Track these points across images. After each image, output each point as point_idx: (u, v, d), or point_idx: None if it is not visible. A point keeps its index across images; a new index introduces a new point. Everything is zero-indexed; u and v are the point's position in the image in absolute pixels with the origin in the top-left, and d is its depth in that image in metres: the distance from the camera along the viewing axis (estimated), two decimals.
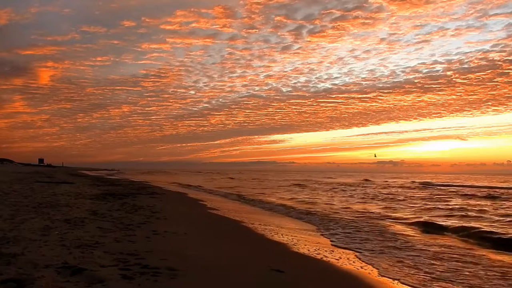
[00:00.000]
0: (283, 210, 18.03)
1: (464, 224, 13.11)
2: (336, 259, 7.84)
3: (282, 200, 23.60)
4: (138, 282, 4.64)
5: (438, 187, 39.54)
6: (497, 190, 34.97)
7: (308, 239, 10.23)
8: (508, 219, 14.89)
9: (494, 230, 11.78)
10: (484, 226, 12.86)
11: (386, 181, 56.98)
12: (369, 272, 7.01)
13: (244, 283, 5.28)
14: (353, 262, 7.75)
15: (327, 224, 13.30)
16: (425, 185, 43.64)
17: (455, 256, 8.76)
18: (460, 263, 8.03)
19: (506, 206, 20.39)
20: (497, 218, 15.24)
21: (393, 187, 40.92)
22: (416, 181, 56.53)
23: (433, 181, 53.90)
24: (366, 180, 59.98)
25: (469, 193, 30.22)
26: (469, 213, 16.66)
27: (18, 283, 4.27)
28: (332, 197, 26.81)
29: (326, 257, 7.97)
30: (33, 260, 5.23)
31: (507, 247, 9.79)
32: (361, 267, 7.33)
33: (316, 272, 6.76)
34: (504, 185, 46.03)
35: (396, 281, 6.51)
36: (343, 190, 34.16)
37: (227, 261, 6.60)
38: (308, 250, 8.51)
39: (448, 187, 39.37)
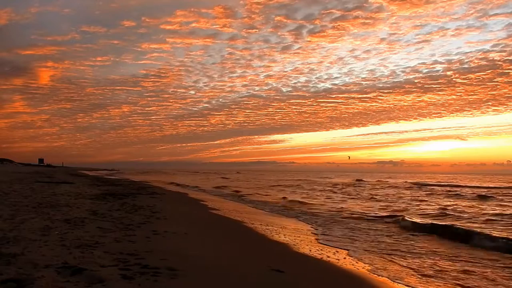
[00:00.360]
0: (278, 210, 18.32)
1: (437, 222, 13.40)
2: (336, 259, 7.86)
3: (276, 199, 23.95)
4: (138, 282, 4.64)
5: (430, 187, 39.42)
6: (490, 190, 34.86)
7: (303, 239, 10.26)
8: (486, 218, 15.17)
9: (467, 228, 12.02)
10: (459, 224, 13.10)
11: (380, 181, 57.34)
12: (366, 271, 7.03)
13: (244, 283, 5.28)
14: (350, 261, 7.77)
15: (319, 223, 13.80)
16: (417, 185, 43.66)
17: (437, 253, 9.05)
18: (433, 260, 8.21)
19: (491, 206, 20.48)
20: (477, 217, 15.47)
21: (384, 187, 40.99)
22: (409, 181, 56.57)
23: (425, 181, 53.72)
24: (359, 180, 60.27)
25: (459, 193, 30.29)
26: (449, 212, 16.92)
27: (18, 283, 4.27)
28: (323, 196, 27.23)
29: (328, 257, 8.00)
30: (33, 260, 5.23)
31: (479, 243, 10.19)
32: (363, 267, 7.34)
33: (316, 272, 6.77)
34: (501, 185, 45.68)
35: (395, 280, 6.53)
36: (333, 190, 34.52)
37: (227, 261, 6.60)
38: (309, 250, 8.52)
39: (439, 187, 39.21)
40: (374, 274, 6.91)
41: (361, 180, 59.71)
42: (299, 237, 10.49)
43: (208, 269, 5.74)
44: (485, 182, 58.42)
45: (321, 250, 8.79)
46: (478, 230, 11.72)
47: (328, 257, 8.03)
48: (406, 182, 53.18)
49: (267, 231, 10.97)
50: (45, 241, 6.57)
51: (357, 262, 7.76)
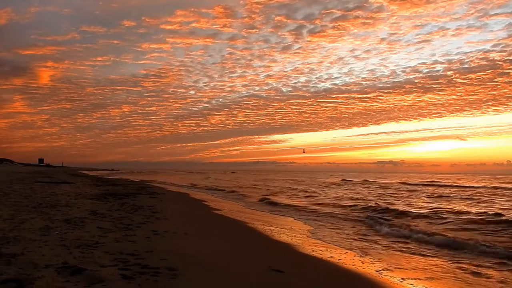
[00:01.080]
0: (266, 208, 18.72)
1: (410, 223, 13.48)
2: (338, 260, 7.85)
3: (258, 198, 24.42)
4: (138, 282, 4.64)
5: (415, 187, 39.11)
6: (475, 189, 34.49)
7: (298, 236, 10.25)
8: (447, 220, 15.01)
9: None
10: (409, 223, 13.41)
11: (366, 180, 57.05)
12: (366, 270, 7.02)
13: (244, 283, 5.28)
14: (353, 262, 7.77)
15: (312, 222, 14.17)
16: (404, 184, 43.68)
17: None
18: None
19: (466, 205, 20.44)
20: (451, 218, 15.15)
21: (367, 186, 40.63)
22: (397, 180, 56.33)
23: (410, 181, 53.22)
24: (344, 180, 60.22)
25: (442, 193, 30.09)
26: (420, 211, 17.28)
27: (18, 283, 4.27)
28: (305, 196, 27.45)
29: (332, 257, 7.99)
30: (33, 260, 5.23)
31: None
32: (362, 267, 7.34)
33: (316, 272, 6.76)
34: (487, 185, 44.91)
35: (396, 279, 6.52)
36: (317, 190, 34.43)
37: (227, 261, 6.59)
38: (312, 250, 8.52)
39: (424, 187, 38.86)
40: (376, 273, 6.90)
41: (350, 180, 59.61)
42: (291, 234, 10.49)
43: (208, 269, 5.73)
44: (479, 182, 57.74)
45: (320, 249, 8.78)
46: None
47: (331, 257, 8.02)
48: (393, 182, 52.89)
49: (268, 231, 10.96)
50: (45, 241, 6.57)
51: (357, 261, 7.75)
